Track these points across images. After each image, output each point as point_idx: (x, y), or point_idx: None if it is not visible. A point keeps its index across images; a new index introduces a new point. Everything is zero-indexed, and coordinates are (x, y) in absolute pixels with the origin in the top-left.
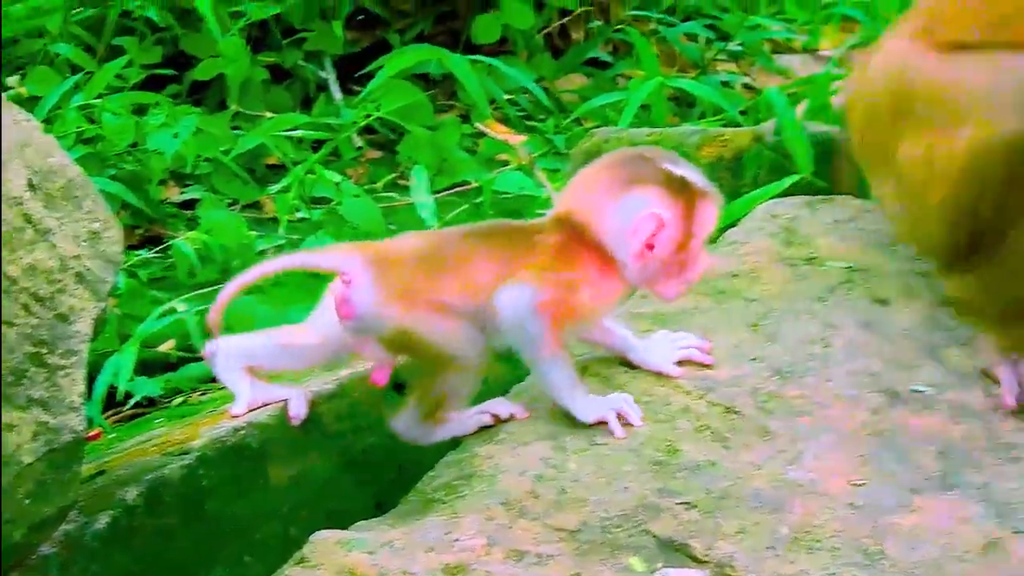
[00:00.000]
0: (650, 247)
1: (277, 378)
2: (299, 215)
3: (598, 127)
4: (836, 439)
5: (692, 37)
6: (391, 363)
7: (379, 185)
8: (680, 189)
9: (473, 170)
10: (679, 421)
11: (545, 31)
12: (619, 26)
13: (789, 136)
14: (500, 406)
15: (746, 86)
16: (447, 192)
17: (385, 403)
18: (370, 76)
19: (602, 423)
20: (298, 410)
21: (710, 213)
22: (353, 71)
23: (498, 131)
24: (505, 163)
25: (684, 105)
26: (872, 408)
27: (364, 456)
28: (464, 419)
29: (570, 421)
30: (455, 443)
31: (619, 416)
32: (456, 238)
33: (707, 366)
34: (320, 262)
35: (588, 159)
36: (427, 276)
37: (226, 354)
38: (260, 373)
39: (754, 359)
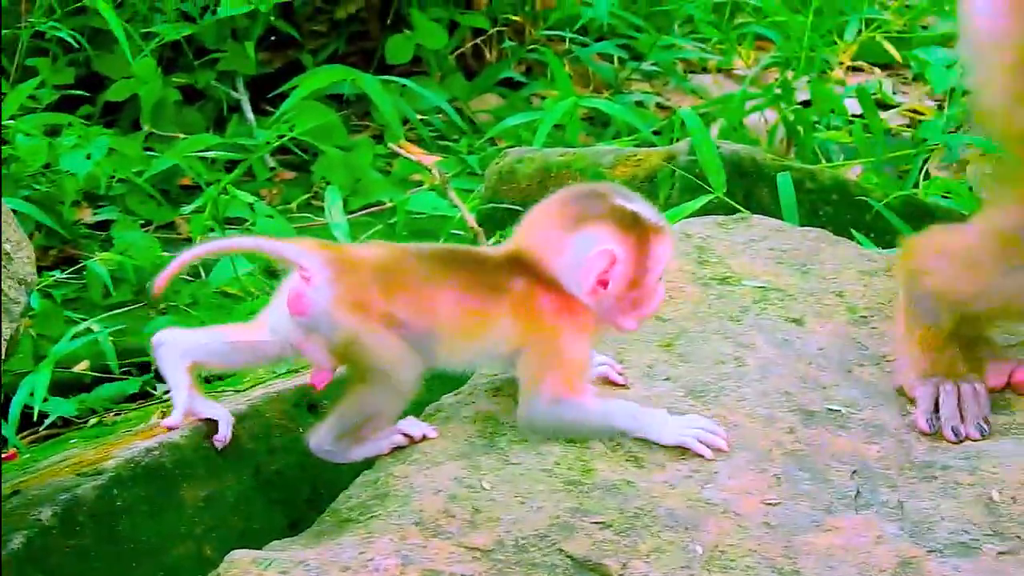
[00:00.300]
0: (603, 284)
1: (213, 386)
2: (213, 236)
3: (512, 147)
4: (750, 458)
5: (606, 57)
6: (331, 369)
7: (293, 206)
8: (632, 225)
9: (387, 191)
10: (592, 441)
11: (458, 51)
12: (533, 46)
13: (702, 156)
14: (413, 426)
15: (660, 106)
16: (361, 213)
17: (298, 422)
18: (283, 97)
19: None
20: (225, 433)
21: (664, 248)
22: (266, 92)
23: (412, 152)
24: (419, 184)
25: (598, 125)
26: (786, 427)
27: (278, 476)
28: (378, 439)
29: (484, 440)
30: (369, 463)
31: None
32: (417, 257)
33: (620, 385)
34: (281, 251)
35: (501, 179)
36: (384, 289)
37: (172, 347)
38: (201, 371)
39: (667, 379)
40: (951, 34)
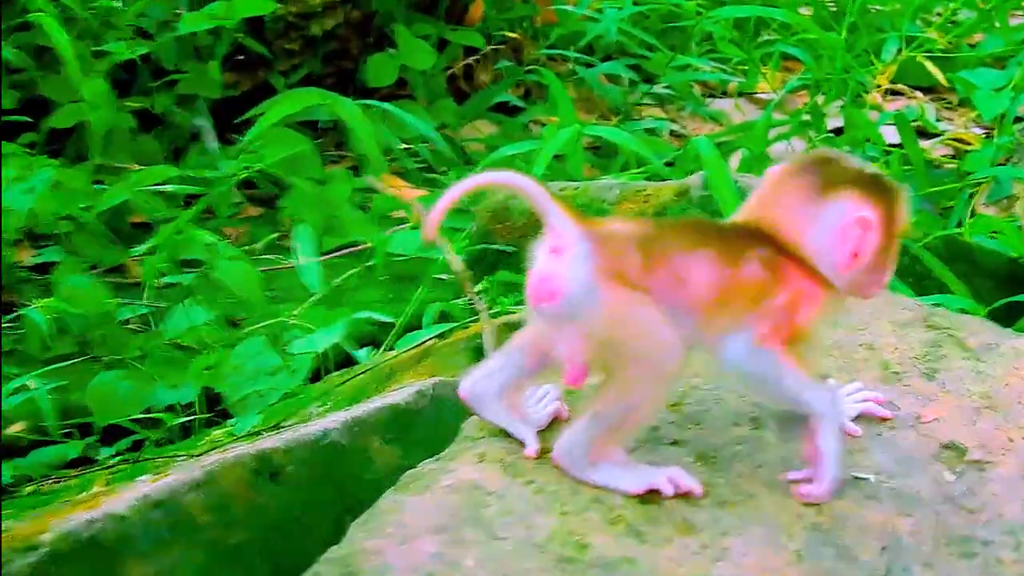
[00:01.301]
0: (855, 254)
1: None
2: (167, 280)
3: None
4: (767, 533)
5: (613, 79)
6: (585, 364)
7: (259, 246)
8: (878, 188)
9: (365, 229)
10: (589, 512)
11: (448, 72)
12: (531, 67)
13: (719, 190)
14: (683, 477)
15: (674, 134)
16: (336, 254)
17: (259, 492)
18: (250, 123)
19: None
20: (534, 445)
21: (905, 208)
22: (231, 118)
23: (393, 185)
24: (401, 221)
25: (604, 155)
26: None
27: (236, 552)
28: (636, 471)
29: (467, 511)
30: (337, 536)
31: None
32: (669, 228)
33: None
34: (544, 204)
35: (494, 217)
36: (644, 260)
37: (485, 400)
38: (516, 399)
39: (674, 443)
40: (1001, 53)
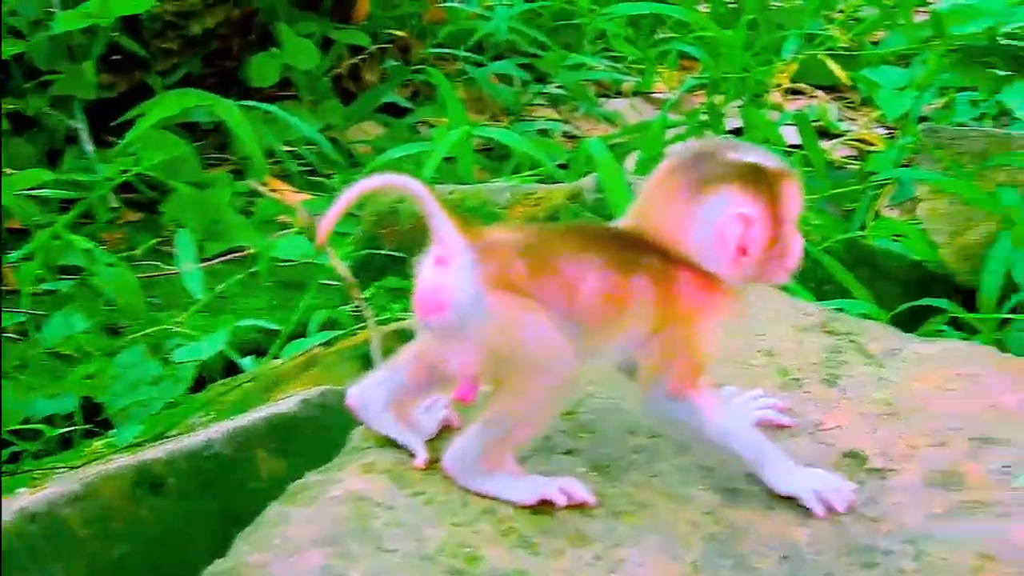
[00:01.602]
0: (742, 250)
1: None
2: (45, 287)
3: None
4: (663, 543)
5: (504, 79)
6: (477, 377)
7: (139, 252)
8: (757, 178)
9: (248, 234)
10: (480, 523)
11: (333, 72)
12: (419, 67)
13: (612, 193)
14: (576, 487)
15: (567, 135)
16: (218, 260)
17: (140, 504)
18: (128, 125)
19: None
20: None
21: (794, 192)
22: (108, 120)
23: (277, 189)
24: (285, 226)
25: (496, 158)
26: (705, 507)
27: (117, 566)
28: (527, 481)
29: (354, 523)
30: (221, 548)
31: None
32: (558, 234)
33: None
34: (431, 209)
35: (380, 221)
36: (531, 269)
37: (371, 409)
38: (405, 409)
39: (568, 452)
40: (905, 50)
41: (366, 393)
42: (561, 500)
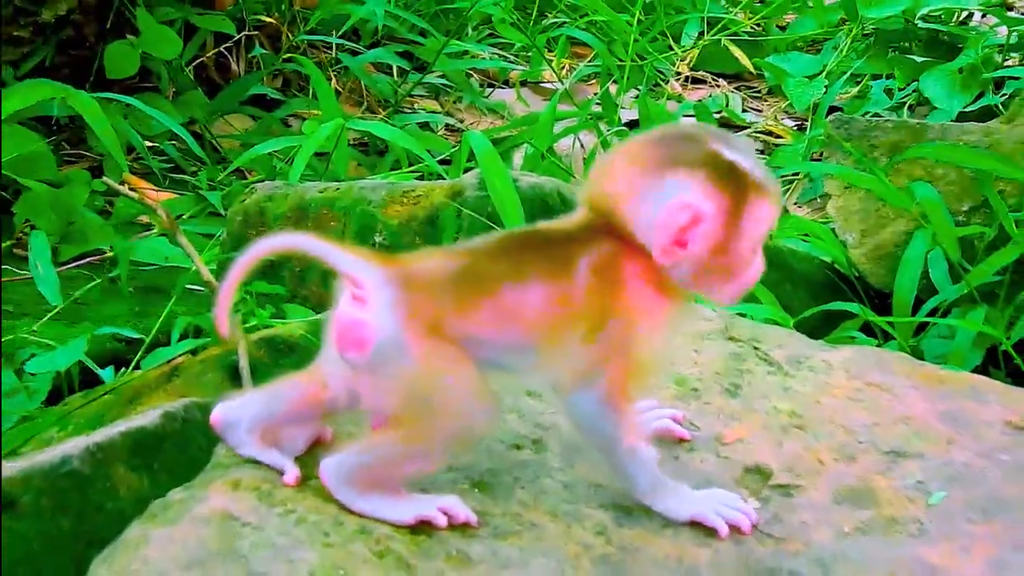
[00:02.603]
0: (681, 244)
1: None
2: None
3: (263, 180)
4: (551, 566)
5: (382, 68)
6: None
7: None
8: (727, 176)
9: (107, 236)
10: (355, 544)
11: (197, 62)
12: (290, 55)
13: (495, 191)
14: (457, 507)
15: (451, 128)
16: (75, 264)
17: None
18: None
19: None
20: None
21: (765, 211)
22: None
23: (137, 187)
24: (147, 227)
25: (373, 152)
26: (596, 527)
27: None
28: (406, 502)
29: (221, 544)
30: (78, 572)
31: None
32: (487, 255)
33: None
34: (334, 258)
35: (247, 221)
36: (460, 303)
37: (234, 430)
38: (272, 430)
39: (449, 469)
40: (815, 35)
41: (231, 413)
42: (441, 521)
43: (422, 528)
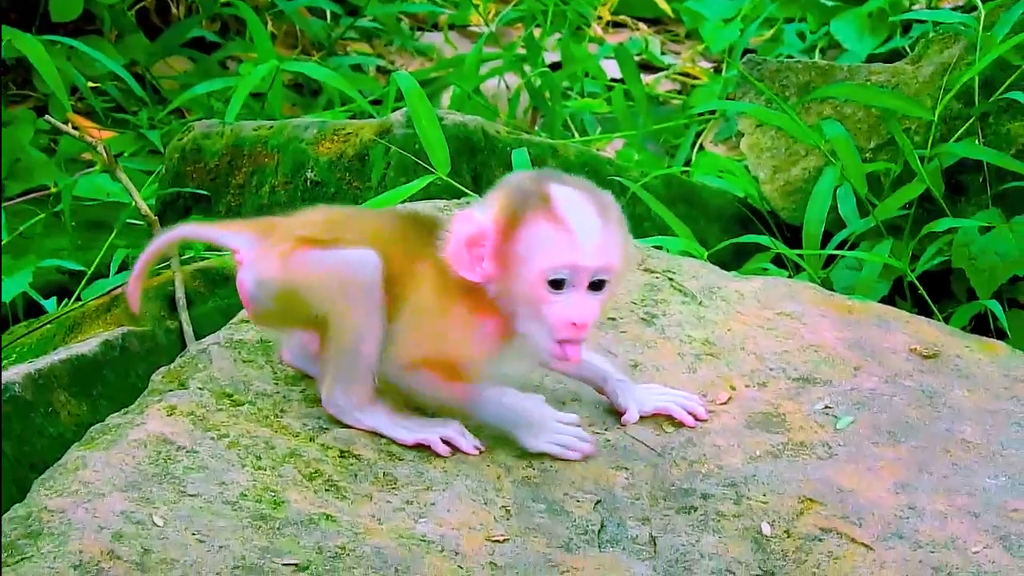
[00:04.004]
0: (477, 259)
1: None
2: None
3: (201, 119)
4: (473, 487)
5: (316, 12)
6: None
7: None
8: (516, 199)
9: (51, 173)
10: (285, 466)
11: (138, 6)
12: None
13: (421, 128)
14: (460, 436)
15: (382, 70)
16: (20, 199)
17: None
18: None
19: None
20: None
21: (555, 243)
22: None
23: (81, 126)
24: (89, 164)
25: (308, 94)
26: (516, 451)
27: None
28: (404, 424)
29: (156, 467)
30: (19, 494)
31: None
32: (360, 215)
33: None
34: (216, 236)
35: (184, 158)
36: (312, 230)
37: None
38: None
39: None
40: None
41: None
42: (442, 449)
43: (349, 451)
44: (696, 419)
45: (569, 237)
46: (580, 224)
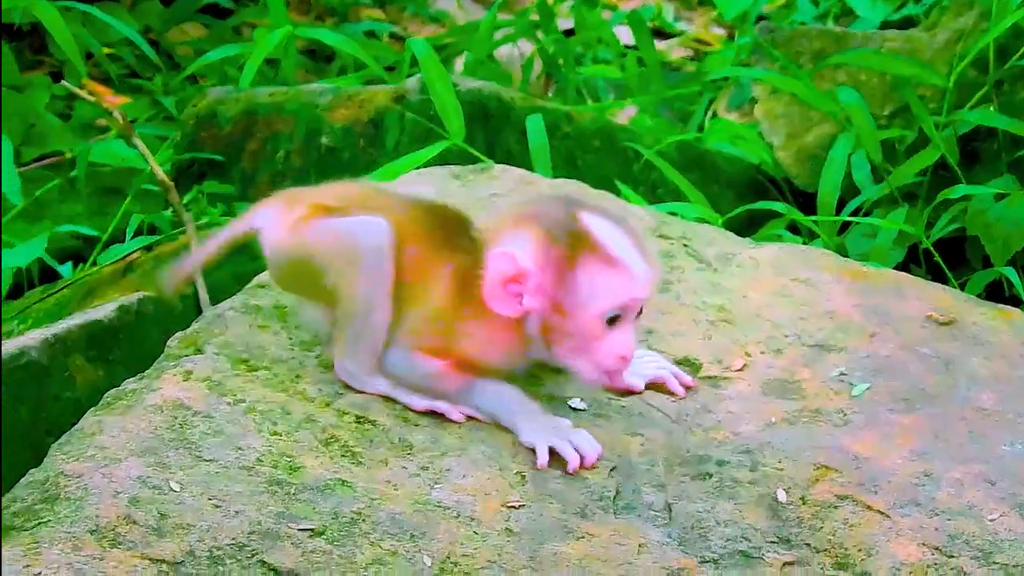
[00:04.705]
0: (516, 296)
1: None
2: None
3: (216, 86)
4: (488, 453)
5: None
6: None
7: None
8: (564, 240)
9: (67, 139)
10: (301, 432)
11: None
12: None
13: (436, 94)
14: (451, 408)
15: (395, 36)
16: (36, 165)
17: None
18: None
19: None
20: None
21: (608, 284)
22: None
23: (96, 92)
24: (105, 130)
25: (321, 59)
26: None
27: None
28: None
29: (172, 432)
30: (36, 459)
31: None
32: (381, 191)
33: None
34: (242, 226)
35: (200, 124)
36: (329, 200)
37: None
38: None
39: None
40: None
41: None
42: (456, 416)
43: (365, 417)
44: (686, 389)
45: (624, 276)
46: (629, 260)
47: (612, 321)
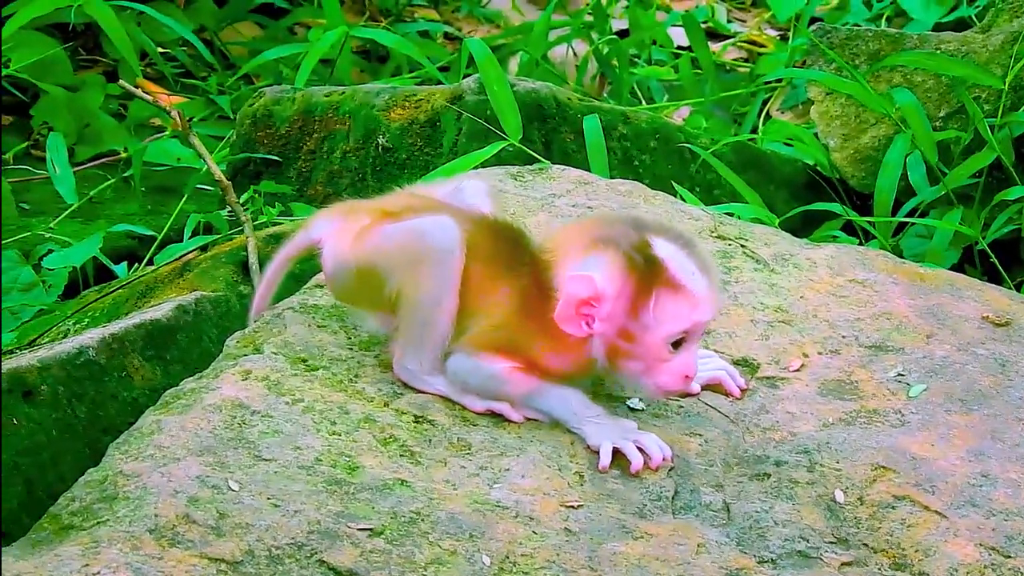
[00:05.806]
0: (587, 319)
1: None
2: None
3: (271, 86)
4: (547, 453)
5: None
6: None
7: (9, 156)
8: (640, 267)
9: (121, 138)
10: (360, 431)
11: None
12: None
13: (493, 95)
14: (509, 410)
15: (449, 36)
16: (91, 164)
17: (10, 412)
18: None
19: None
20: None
21: (677, 311)
22: None
23: (150, 91)
24: (159, 129)
25: (375, 60)
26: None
27: None
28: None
29: (231, 432)
30: (95, 458)
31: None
32: (439, 202)
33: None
34: (306, 236)
35: (256, 124)
36: (385, 214)
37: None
38: None
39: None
40: None
41: None
42: (515, 417)
43: (424, 417)
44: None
45: (691, 301)
46: (696, 285)
47: (677, 344)
